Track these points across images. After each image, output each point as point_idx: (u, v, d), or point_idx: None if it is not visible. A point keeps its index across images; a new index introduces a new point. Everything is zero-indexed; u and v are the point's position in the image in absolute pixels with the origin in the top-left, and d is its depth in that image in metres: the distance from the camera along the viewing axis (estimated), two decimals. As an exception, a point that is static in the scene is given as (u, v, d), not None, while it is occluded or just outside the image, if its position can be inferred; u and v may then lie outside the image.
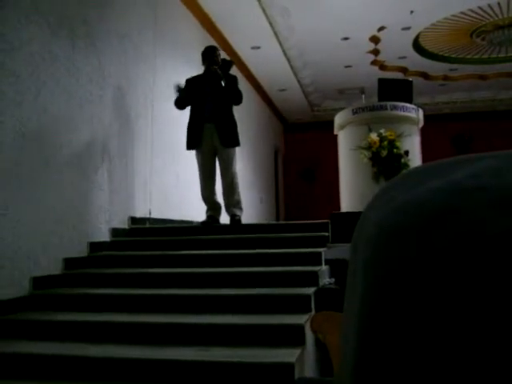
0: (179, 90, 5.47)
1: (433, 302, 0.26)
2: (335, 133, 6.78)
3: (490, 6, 7.87)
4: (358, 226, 0.34)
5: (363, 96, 7.30)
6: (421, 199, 0.29)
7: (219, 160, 5.34)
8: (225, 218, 5.51)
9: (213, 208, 5.40)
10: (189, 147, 5.34)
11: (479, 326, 0.24)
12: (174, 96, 5.51)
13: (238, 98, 5.34)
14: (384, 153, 5.62)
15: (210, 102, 5.24)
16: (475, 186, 0.27)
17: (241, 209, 5.41)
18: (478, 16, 8.27)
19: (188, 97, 5.36)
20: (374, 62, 10.32)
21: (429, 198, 0.28)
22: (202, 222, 5.37)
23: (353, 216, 4.51)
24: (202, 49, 5.59)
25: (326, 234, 4.67)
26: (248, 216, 7.65)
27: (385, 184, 0.34)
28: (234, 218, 5.29)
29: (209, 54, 5.43)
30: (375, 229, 0.31)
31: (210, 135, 5.21)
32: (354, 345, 0.30)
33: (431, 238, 0.27)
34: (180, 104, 5.41)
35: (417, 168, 0.34)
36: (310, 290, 3.50)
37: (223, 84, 5.29)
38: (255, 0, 7.28)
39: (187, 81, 5.49)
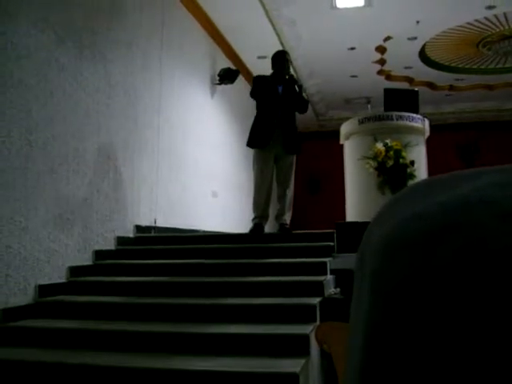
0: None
1: (436, 315, 0.26)
2: (341, 142, 6.79)
3: (496, 16, 7.87)
4: (364, 239, 0.34)
5: (369, 106, 7.31)
6: (426, 213, 0.29)
7: (279, 167, 5.28)
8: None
9: (263, 216, 5.26)
10: (255, 145, 5.26)
11: (483, 339, 0.24)
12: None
13: (306, 107, 5.39)
14: (390, 163, 5.62)
15: (281, 107, 5.21)
16: (479, 200, 0.28)
17: (289, 217, 5.36)
18: (484, 26, 8.27)
19: (259, 92, 5.32)
20: (380, 72, 10.32)
21: (434, 212, 0.29)
22: (251, 231, 5.20)
23: (358, 226, 4.50)
24: (209, 58, 5.62)
25: (332, 243, 4.66)
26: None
27: (390, 198, 0.34)
28: (285, 227, 5.23)
29: (280, 58, 5.41)
30: (381, 242, 0.31)
31: (277, 140, 5.16)
32: (359, 356, 0.30)
33: (435, 252, 0.27)
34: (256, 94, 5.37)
35: (422, 182, 0.34)
36: (315, 300, 3.49)
37: (297, 90, 5.29)
38: (262, 10, 7.31)
39: (257, 77, 5.50)
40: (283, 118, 5.18)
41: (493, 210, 0.27)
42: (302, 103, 5.34)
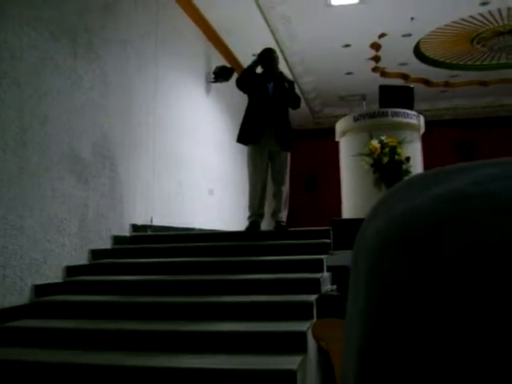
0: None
1: (433, 310, 0.26)
2: (337, 140, 6.79)
3: (490, 12, 7.88)
4: (359, 236, 0.34)
5: (364, 103, 7.31)
6: (421, 207, 0.29)
7: (273, 164, 5.24)
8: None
9: (258, 213, 5.22)
10: (244, 141, 5.22)
11: (481, 334, 0.24)
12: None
13: (297, 102, 5.36)
14: (385, 159, 5.62)
15: (271, 104, 5.18)
16: (475, 193, 0.27)
17: (285, 214, 5.31)
18: (478, 22, 8.29)
19: (248, 82, 5.28)
20: (375, 69, 10.32)
21: (429, 206, 0.29)
22: (247, 229, 5.17)
23: (354, 222, 4.50)
24: (204, 56, 5.59)
25: (328, 240, 4.66)
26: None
27: (384, 193, 0.34)
28: (280, 224, 5.18)
29: (267, 56, 5.39)
30: (376, 238, 0.31)
31: (269, 137, 5.11)
32: (356, 353, 0.30)
33: (432, 246, 0.27)
34: (241, 83, 5.34)
35: (416, 176, 0.34)
36: (312, 297, 3.50)
37: (287, 86, 5.26)
38: (257, 8, 7.30)
39: (251, 67, 5.46)
40: (275, 115, 5.16)
41: (489, 203, 0.26)
42: (294, 99, 5.32)
